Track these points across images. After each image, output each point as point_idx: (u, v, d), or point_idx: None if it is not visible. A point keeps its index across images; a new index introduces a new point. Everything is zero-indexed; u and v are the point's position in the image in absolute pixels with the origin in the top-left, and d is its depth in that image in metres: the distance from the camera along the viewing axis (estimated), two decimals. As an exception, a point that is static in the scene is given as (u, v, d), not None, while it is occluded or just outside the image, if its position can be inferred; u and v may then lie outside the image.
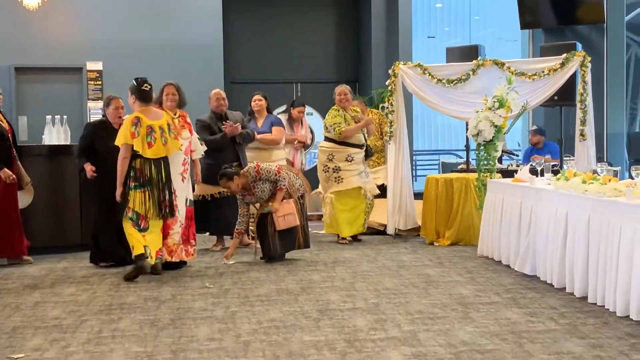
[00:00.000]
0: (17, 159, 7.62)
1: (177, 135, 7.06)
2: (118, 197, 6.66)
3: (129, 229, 6.68)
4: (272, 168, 7.53)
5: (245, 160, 8.38)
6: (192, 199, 7.43)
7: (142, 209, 6.63)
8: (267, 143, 8.80)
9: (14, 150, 7.61)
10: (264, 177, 7.45)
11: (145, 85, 6.80)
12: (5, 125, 7.60)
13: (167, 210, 6.78)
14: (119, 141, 6.66)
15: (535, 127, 10.70)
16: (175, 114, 7.34)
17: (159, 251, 6.79)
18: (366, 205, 8.75)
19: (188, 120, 7.47)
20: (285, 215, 7.46)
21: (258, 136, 8.68)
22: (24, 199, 7.72)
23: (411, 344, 4.54)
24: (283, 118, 9.79)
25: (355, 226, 8.77)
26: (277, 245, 7.54)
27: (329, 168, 8.66)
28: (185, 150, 7.24)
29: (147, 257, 6.61)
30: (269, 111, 9.09)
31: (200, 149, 7.58)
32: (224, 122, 8.21)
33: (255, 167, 7.49)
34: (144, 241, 6.64)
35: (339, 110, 8.71)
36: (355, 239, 8.84)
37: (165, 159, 6.81)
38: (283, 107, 12.08)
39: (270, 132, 8.82)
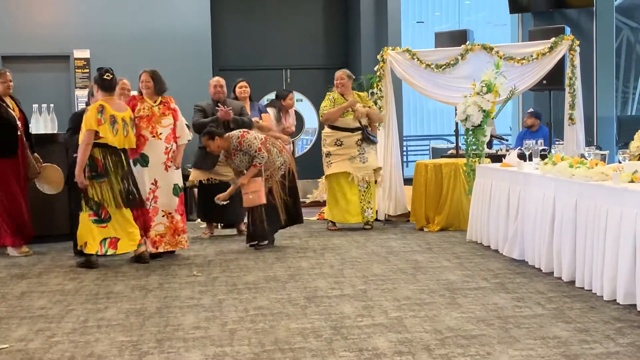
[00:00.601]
0: (26, 148, 7.58)
1: (145, 128, 7.04)
2: (81, 183, 6.65)
3: (87, 223, 6.67)
4: (255, 143, 7.39)
5: None
6: (181, 186, 7.30)
7: (101, 199, 6.65)
8: (263, 130, 8.76)
9: (23, 139, 7.57)
10: (244, 148, 7.39)
11: (108, 74, 6.79)
12: (16, 113, 7.53)
13: (128, 199, 6.74)
14: (84, 127, 6.66)
15: (531, 110, 10.68)
16: (155, 102, 7.19)
17: (140, 240, 6.81)
18: (360, 193, 8.64)
19: (173, 106, 7.31)
20: (250, 192, 7.39)
21: (260, 122, 8.63)
22: (45, 187, 7.76)
23: (397, 330, 4.54)
24: (271, 112, 9.64)
25: (351, 214, 8.66)
26: (265, 227, 7.50)
27: (323, 153, 8.73)
28: (166, 137, 7.13)
29: (96, 260, 6.72)
30: (251, 99, 9.00)
31: (186, 135, 7.35)
32: (217, 106, 8.19)
33: (239, 137, 7.43)
34: (101, 236, 6.66)
35: (330, 95, 8.69)
36: (367, 224, 8.70)
37: (124, 150, 6.86)
38: (273, 95, 12.03)
39: (261, 120, 8.78)
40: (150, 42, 11.73)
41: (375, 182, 8.72)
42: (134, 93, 7.69)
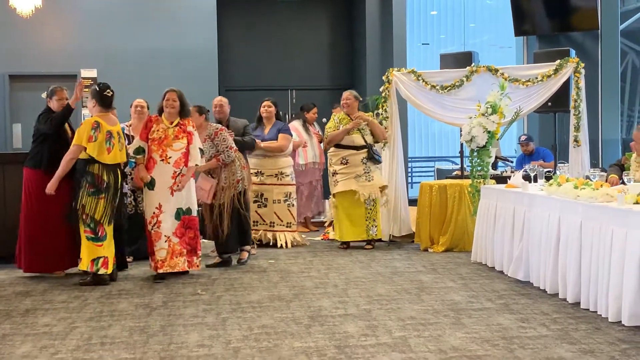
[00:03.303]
0: None
1: (155, 151, 6.94)
2: (50, 190, 6.69)
3: (83, 239, 6.72)
4: (229, 141, 7.59)
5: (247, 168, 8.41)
6: (195, 209, 7.15)
7: (99, 215, 6.66)
8: (272, 150, 8.84)
9: None
10: (216, 141, 7.51)
11: (108, 91, 6.84)
12: (70, 134, 7.32)
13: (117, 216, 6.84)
14: (75, 141, 6.68)
15: (523, 137, 10.72)
16: (172, 123, 7.01)
17: (114, 259, 6.85)
18: (366, 210, 8.65)
19: (189, 129, 7.06)
20: (200, 188, 7.46)
21: (262, 144, 8.77)
22: None
23: (401, 349, 4.52)
24: (298, 124, 10.01)
25: (357, 232, 8.68)
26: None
27: (330, 172, 8.81)
28: (175, 162, 6.93)
29: (107, 278, 6.74)
30: (278, 118, 9.11)
31: (194, 159, 7.09)
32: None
33: (217, 128, 7.61)
34: (96, 254, 6.67)
35: (336, 116, 8.76)
36: (369, 244, 8.75)
37: (119, 166, 6.94)
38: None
39: (277, 140, 8.86)
40: (157, 62, 11.81)
41: (385, 202, 8.74)
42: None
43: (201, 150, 7.15)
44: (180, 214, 6.98)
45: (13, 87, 11.68)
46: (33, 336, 5.01)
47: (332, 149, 8.73)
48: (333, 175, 8.71)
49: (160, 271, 6.91)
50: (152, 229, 6.92)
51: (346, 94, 8.75)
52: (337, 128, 8.62)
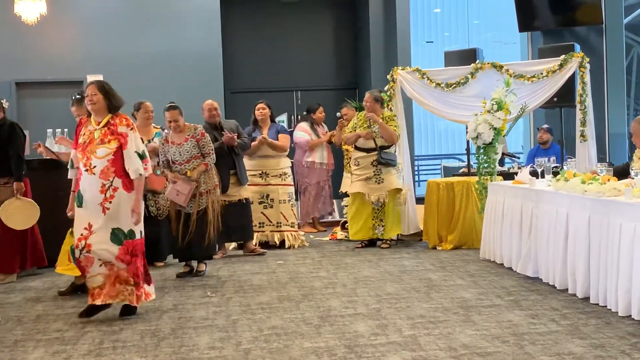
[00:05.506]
0: None
1: (81, 159, 5.60)
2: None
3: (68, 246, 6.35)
4: (212, 145, 7.44)
5: (242, 168, 8.44)
6: (140, 231, 5.64)
7: None
8: (276, 148, 8.87)
9: None
10: (202, 143, 7.35)
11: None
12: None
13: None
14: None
15: (546, 126, 10.69)
16: (99, 123, 5.55)
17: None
18: (373, 211, 8.65)
19: (122, 129, 5.52)
20: (178, 190, 7.17)
21: (268, 140, 8.82)
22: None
23: (412, 348, 4.53)
24: (306, 125, 10.10)
25: (363, 230, 8.73)
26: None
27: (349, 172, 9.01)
28: (101, 172, 5.46)
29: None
30: (273, 120, 9.14)
31: (134, 169, 5.52)
32: (222, 132, 8.24)
33: (202, 129, 7.45)
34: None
35: (356, 116, 8.91)
36: (384, 242, 8.77)
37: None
38: (284, 116, 12.13)
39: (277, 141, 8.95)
40: (162, 66, 11.85)
41: (400, 203, 8.81)
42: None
43: (140, 154, 5.57)
44: (121, 237, 5.51)
45: (20, 94, 11.73)
46: (45, 341, 5.04)
47: (350, 149, 8.92)
48: (351, 175, 8.89)
49: (98, 302, 5.55)
50: (80, 255, 5.51)
51: (367, 95, 8.75)
52: (354, 129, 8.71)
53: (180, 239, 7.28)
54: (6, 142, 7.39)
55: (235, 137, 8.23)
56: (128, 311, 5.67)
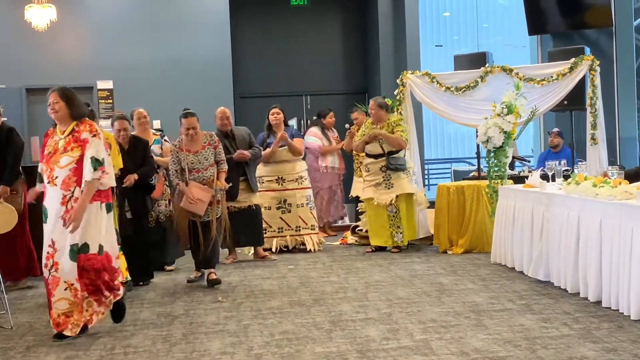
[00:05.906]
0: None
1: (45, 171, 5.31)
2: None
3: None
4: (224, 156, 7.34)
5: (253, 176, 8.47)
6: (98, 244, 5.23)
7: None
8: (294, 150, 8.87)
9: None
10: (218, 150, 7.25)
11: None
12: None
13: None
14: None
15: (557, 129, 10.66)
16: (64, 132, 5.29)
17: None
18: (389, 217, 8.62)
19: (84, 136, 5.21)
20: (197, 199, 6.94)
21: (289, 140, 8.84)
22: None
23: (423, 352, 4.52)
24: (317, 130, 10.13)
25: (383, 237, 8.70)
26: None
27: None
28: (62, 183, 5.16)
29: None
30: (286, 124, 9.15)
31: (85, 175, 5.15)
32: (234, 141, 8.31)
33: (216, 139, 7.33)
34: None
35: (365, 123, 8.92)
36: (381, 247, 8.79)
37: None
38: (294, 120, 12.14)
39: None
40: (171, 72, 11.89)
41: (419, 205, 8.86)
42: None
43: (98, 160, 5.17)
44: (75, 252, 5.16)
45: (30, 101, 11.78)
46: (57, 347, 5.05)
47: (362, 154, 8.95)
48: (363, 181, 8.90)
49: (67, 332, 5.23)
50: (49, 275, 5.22)
51: (370, 103, 8.76)
52: (362, 136, 8.73)
53: (203, 248, 7.08)
54: (3, 147, 7.19)
55: (247, 153, 8.25)
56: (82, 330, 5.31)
